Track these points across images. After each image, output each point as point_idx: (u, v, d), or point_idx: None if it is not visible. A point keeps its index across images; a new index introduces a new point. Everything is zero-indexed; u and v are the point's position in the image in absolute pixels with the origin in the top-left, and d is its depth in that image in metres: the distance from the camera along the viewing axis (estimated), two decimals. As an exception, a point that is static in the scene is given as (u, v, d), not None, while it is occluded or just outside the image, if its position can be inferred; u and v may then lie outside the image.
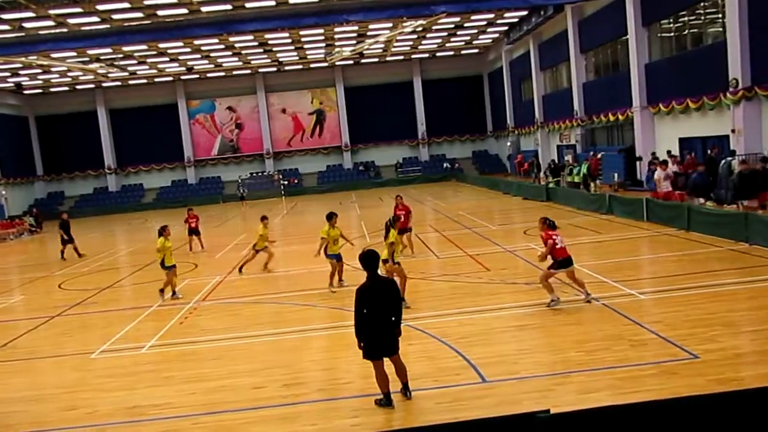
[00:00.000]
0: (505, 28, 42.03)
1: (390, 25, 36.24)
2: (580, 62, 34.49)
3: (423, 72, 52.67)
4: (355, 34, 39.13)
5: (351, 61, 49.62)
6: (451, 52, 50.71)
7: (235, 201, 47.30)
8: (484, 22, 39.96)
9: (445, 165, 52.05)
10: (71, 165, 52.58)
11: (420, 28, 37.86)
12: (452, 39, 44.85)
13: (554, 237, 10.37)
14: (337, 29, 36.42)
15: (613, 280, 11.76)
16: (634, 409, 4.82)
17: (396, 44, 44.40)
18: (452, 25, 39.58)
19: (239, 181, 50.40)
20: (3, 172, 46.15)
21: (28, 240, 35.19)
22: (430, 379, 7.68)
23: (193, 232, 21.67)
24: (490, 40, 47.17)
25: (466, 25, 39.81)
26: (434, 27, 38.76)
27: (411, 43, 44.72)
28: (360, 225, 24.75)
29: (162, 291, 13.88)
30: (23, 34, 29.42)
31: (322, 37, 39.38)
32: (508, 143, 48.42)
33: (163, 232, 13.75)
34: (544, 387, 7.14)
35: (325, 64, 49.38)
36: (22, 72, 41.31)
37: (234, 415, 7.18)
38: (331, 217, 13.34)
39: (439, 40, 45.04)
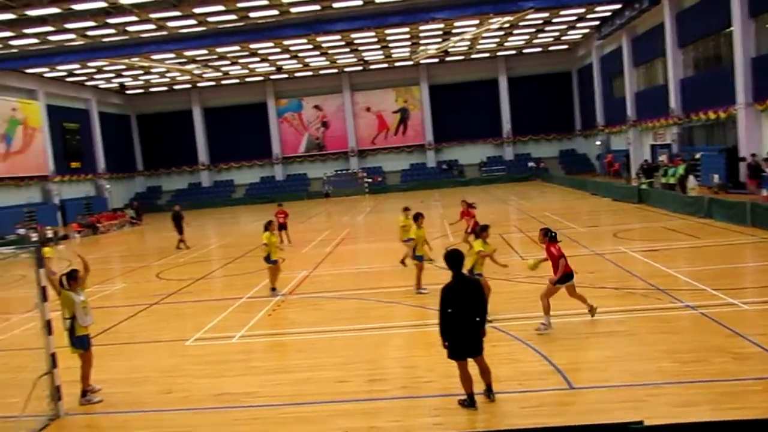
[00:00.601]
0: (596, 22, 40.59)
1: (476, 22, 35.83)
2: (677, 57, 32.76)
3: (509, 69, 51.76)
4: (440, 32, 38.98)
5: (436, 59, 49.48)
6: (539, 49, 49.53)
7: (320, 198, 48.39)
8: (574, 17, 38.75)
9: (529, 164, 50.93)
10: (168, 161, 55.52)
11: (507, 25, 37.24)
12: (540, 35, 43.79)
13: (562, 253, 9.68)
14: (422, 27, 36.42)
15: (712, 288, 11.10)
16: (737, 427, 4.52)
17: (481, 41, 43.86)
18: (540, 21, 38.64)
19: (324, 178, 51.48)
20: (107, 168, 49.37)
21: (129, 231, 37.42)
22: (514, 382, 7.54)
23: (282, 227, 22.24)
24: (579, 36, 45.70)
25: (554, 20, 38.76)
26: (521, 23, 37.98)
27: (497, 40, 44.04)
28: (443, 224, 24.65)
29: (274, 289, 13.95)
30: (127, 37, 31.32)
31: (408, 36, 39.48)
32: (598, 142, 46.73)
33: (268, 227, 13.99)
34: (635, 397, 6.84)
35: (410, 63, 49.50)
36: (125, 73, 44.00)
37: (318, 407, 7.33)
38: (417, 217, 13.28)
39: (527, 37, 44.09)
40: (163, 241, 27.95)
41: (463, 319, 6.77)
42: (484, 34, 39.69)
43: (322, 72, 50.95)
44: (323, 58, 45.33)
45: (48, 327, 7.63)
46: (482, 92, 52.15)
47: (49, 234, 32.57)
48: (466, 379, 6.91)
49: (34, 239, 31.79)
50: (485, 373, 7.06)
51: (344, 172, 52.69)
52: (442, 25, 36.44)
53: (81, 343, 8.13)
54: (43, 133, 41.76)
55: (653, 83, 37.31)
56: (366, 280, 15.01)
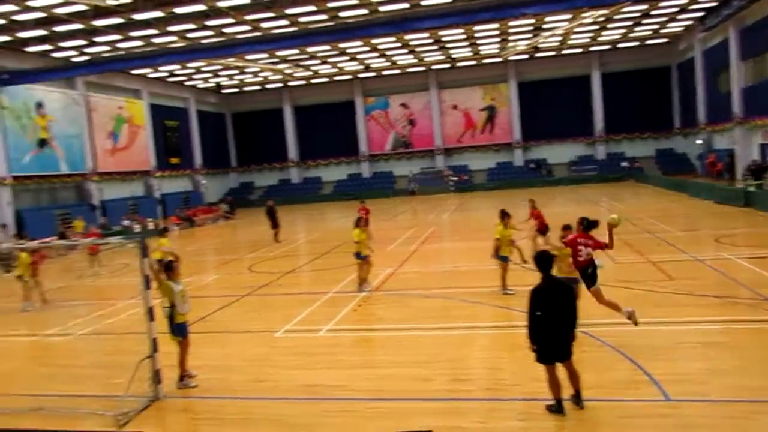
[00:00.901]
0: (701, 14, 38.32)
1: (569, 16, 34.76)
2: (792, 49, 30.41)
3: (602, 65, 49.84)
4: (531, 28, 38.12)
5: (525, 56, 48.44)
6: (635, 43, 47.37)
7: (405, 195, 48.60)
8: (676, 9, 36.77)
9: (623, 164, 48.84)
10: (260, 158, 57.51)
11: (601, 18, 35.88)
12: (637, 28, 41.87)
13: (581, 244, 8.85)
14: (512, 23, 35.74)
15: (828, 299, 10.26)
16: None
17: (574, 36, 42.50)
18: (638, 14, 36.94)
19: (410, 176, 51.67)
20: (204, 164, 51.82)
21: (223, 225, 39.11)
22: (605, 389, 7.29)
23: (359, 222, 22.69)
24: (681, 28, 43.32)
25: (653, 12, 36.93)
26: (617, 16, 36.48)
27: (590, 34, 42.54)
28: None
29: (364, 282, 14.13)
30: (224, 38, 32.71)
31: (497, 32, 38.89)
32: (699, 141, 44.12)
33: (358, 223, 14.41)
34: (738, 414, 6.44)
35: (498, 60, 48.73)
36: (221, 73, 45.97)
37: (402, 404, 7.39)
38: (504, 216, 13.02)
39: (623, 30, 42.29)
40: (255, 235, 29.02)
41: (553, 322, 6.62)
42: (577, 29, 38.40)
43: (409, 70, 51.12)
44: (411, 56, 45.47)
45: (150, 313, 8.12)
46: (573, 89, 50.54)
47: (151, 226, 34.58)
48: (554, 384, 6.75)
49: (137, 230, 33.88)
50: (574, 378, 6.87)
51: (430, 170, 52.63)
52: (532, 21, 35.60)
53: (180, 330, 8.60)
54: (146, 130, 44.37)
55: (764, 77, 34.81)
56: (451, 279, 14.95)
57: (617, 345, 8.81)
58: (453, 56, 46.84)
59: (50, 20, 27.98)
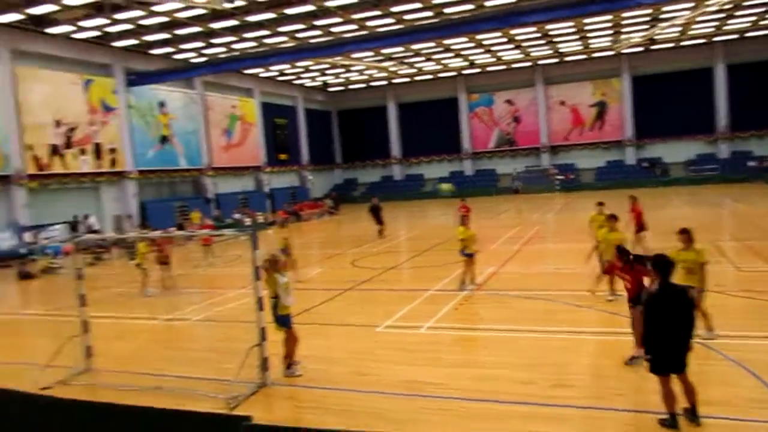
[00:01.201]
0: None
1: (690, 5, 32.63)
2: None
3: (727, 56, 46.32)
4: (647, 18, 36.15)
5: (640, 48, 46.01)
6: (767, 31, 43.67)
7: (509, 194, 47.73)
8: (815, -7, 33.55)
9: (750, 163, 45.19)
10: (364, 154, 58.56)
11: (728, 6, 33.41)
12: (769, 16, 38.60)
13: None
14: (626, 14, 34.07)
15: None
16: None
17: (695, 26, 39.84)
18: (771, 0, 34.03)
19: (514, 174, 50.68)
20: (310, 160, 53.52)
21: (327, 220, 40.23)
22: (725, 406, 6.81)
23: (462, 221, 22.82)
24: (821, 15, 39.44)
25: (789, -2, 33.89)
26: (746, 3, 33.80)
27: (715, 23, 39.68)
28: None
29: (469, 281, 14.12)
30: (331, 38, 33.57)
31: (609, 24, 37.20)
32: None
33: (464, 222, 14.83)
34: None
35: (610, 53, 46.64)
36: (328, 72, 47.23)
37: (501, 407, 7.29)
38: (610, 219, 12.53)
39: (752, 18, 39.05)
40: (358, 230, 29.61)
41: (669, 330, 6.26)
42: (700, 18, 35.96)
43: (514, 66, 50.06)
44: (517, 51, 44.51)
45: (259, 303, 8.51)
46: (693, 83, 47.36)
47: (260, 219, 36.20)
48: (668, 397, 6.39)
49: (248, 224, 35.57)
50: (690, 392, 6.47)
51: (535, 168, 51.36)
52: (649, 11, 33.72)
53: (283, 321, 8.94)
54: (257, 127, 46.49)
55: None
56: (554, 281, 14.54)
57: (740, 359, 8.20)
58: (561, 50, 45.35)
59: (172, 24, 29.95)
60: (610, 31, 39.45)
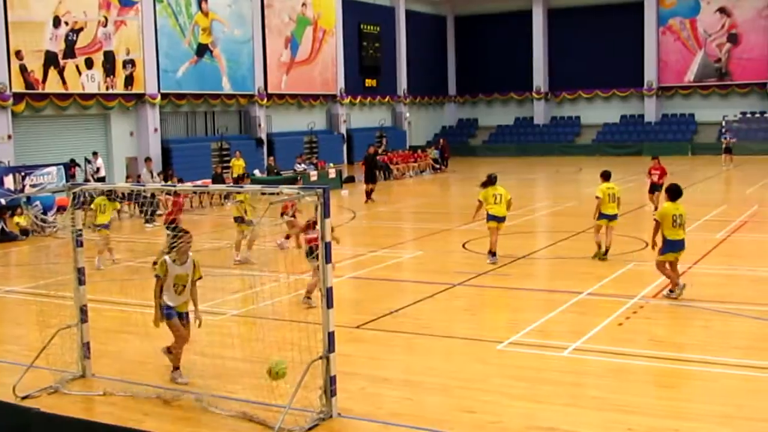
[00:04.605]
0: None
1: None
2: None
3: None
4: None
5: None
6: None
7: (715, 153, 45.89)
8: None
9: None
10: (490, 84, 57.97)
11: None
12: None
13: None
14: None
15: None
16: None
17: None
18: None
19: (723, 123, 48.81)
20: (409, 89, 53.43)
21: (430, 179, 40.35)
22: None
23: (655, 188, 22.91)
24: None
25: None
26: None
27: None
28: None
29: (676, 288, 13.46)
30: None
31: None
32: None
33: (672, 193, 13.50)
34: None
35: None
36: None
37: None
38: None
39: None
40: (475, 197, 29.42)
41: None
42: None
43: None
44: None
45: (329, 296, 8.62)
46: None
47: (332, 174, 36.70)
48: None
49: (315, 179, 36.20)
50: None
51: (758, 115, 49.27)
52: None
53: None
54: (336, 37, 46.79)
55: None
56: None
57: None
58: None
59: None
60: None
